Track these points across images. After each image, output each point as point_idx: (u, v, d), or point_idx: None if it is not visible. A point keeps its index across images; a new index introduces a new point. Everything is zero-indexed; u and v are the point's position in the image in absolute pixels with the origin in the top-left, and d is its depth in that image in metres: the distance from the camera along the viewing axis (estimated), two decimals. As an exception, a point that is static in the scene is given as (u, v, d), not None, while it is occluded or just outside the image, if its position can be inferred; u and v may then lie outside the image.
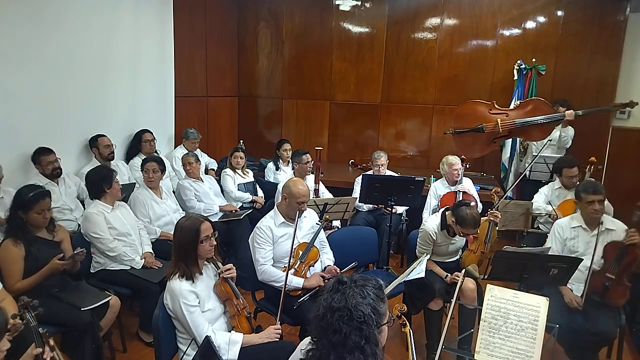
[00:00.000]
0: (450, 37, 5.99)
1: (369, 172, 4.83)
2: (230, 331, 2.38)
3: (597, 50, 5.54)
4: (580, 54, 5.60)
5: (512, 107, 4.92)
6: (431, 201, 4.35)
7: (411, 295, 3.17)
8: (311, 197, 3.77)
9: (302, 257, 2.95)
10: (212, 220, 2.48)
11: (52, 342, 2.02)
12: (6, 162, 3.46)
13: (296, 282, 2.84)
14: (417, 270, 2.84)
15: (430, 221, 3.19)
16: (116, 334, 3.22)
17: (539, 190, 4.14)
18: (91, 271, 3.29)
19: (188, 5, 5.59)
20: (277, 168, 5.26)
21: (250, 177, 5.01)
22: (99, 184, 3.27)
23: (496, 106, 4.63)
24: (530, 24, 5.74)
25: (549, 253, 3.05)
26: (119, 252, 3.24)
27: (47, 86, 3.76)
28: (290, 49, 6.63)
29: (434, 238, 3.13)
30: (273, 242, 2.90)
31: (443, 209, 3.24)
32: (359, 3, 6.26)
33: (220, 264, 2.47)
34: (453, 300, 2.50)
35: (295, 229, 2.82)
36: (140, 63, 4.86)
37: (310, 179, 4.54)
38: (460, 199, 4.11)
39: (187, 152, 4.82)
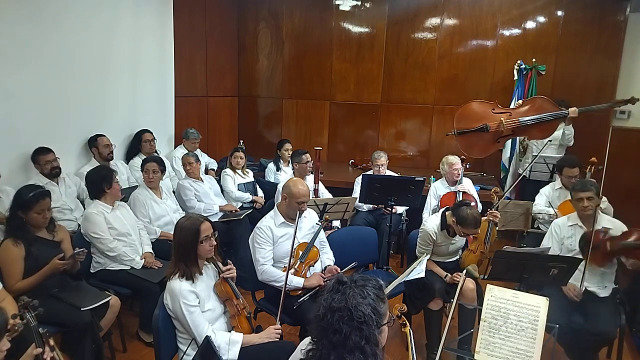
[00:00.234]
0: (450, 37, 5.99)
1: (369, 172, 4.83)
2: (230, 331, 2.38)
3: (597, 50, 5.54)
4: (580, 54, 5.60)
5: (514, 106, 4.91)
6: (431, 201, 4.35)
7: (411, 295, 3.17)
8: (311, 197, 3.76)
9: (302, 257, 2.95)
10: (212, 220, 2.48)
11: (52, 342, 2.02)
12: (6, 162, 3.46)
13: (296, 282, 2.84)
14: (417, 270, 2.84)
15: (431, 221, 3.19)
16: (116, 334, 3.22)
17: (540, 191, 4.14)
18: (91, 271, 3.29)
19: (188, 5, 5.59)
20: (278, 168, 5.26)
21: (250, 177, 5.01)
22: (99, 184, 3.27)
23: (499, 105, 4.62)
24: (530, 24, 5.74)
25: (549, 253, 3.06)
26: (119, 252, 3.24)
27: (47, 86, 3.76)
28: (290, 49, 6.63)
29: (434, 238, 3.13)
30: (273, 242, 2.90)
31: (443, 209, 3.24)
32: (359, 3, 6.27)
33: (220, 264, 2.47)
34: (453, 301, 2.49)
35: (296, 229, 2.81)
36: (140, 63, 4.86)
37: (310, 179, 4.54)
38: (460, 199, 4.11)
39: (187, 152, 4.82)
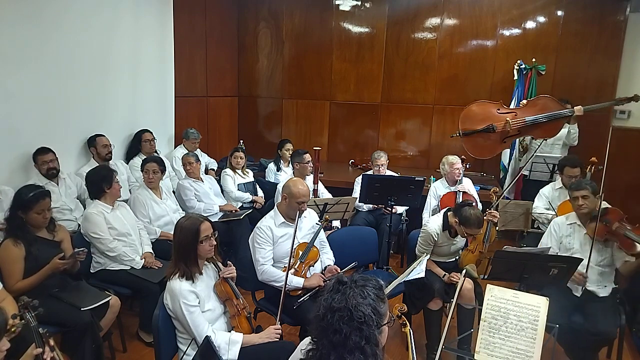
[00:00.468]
0: (450, 37, 5.99)
1: (369, 172, 4.83)
2: (230, 331, 2.38)
3: (597, 50, 5.54)
4: (580, 54, 5.60)
5: (518, 106, 4.87)
6: (431, 201, 4.35)
7: (411, 295, 3.17)
8: (310, 198, 3.76)
9: (302, 257, 2.95)
10: (212, 220, 2.48)
11: (52, 342, 2.02)
12: (6, 162, 3.46)
13: (296, 282, 2.84)
14: (417, 270, 2.83)
15: (433, 222, 3.19)
16: (116, 334, 3.22)
17: (539, 192, 4.14)
18: (91, 271, 3.29)
19: (188, 5, 5.59)
20: (278, 169, 5.26)
21: (250, 177, 5.01)
22: (99, 184, 3.27)
23: (504, 105, 4.61)
24: (530, 24, 5.74)
25: (549, 252, 3.06)
26: (119, 252, 3.24)
27: (47, 86, 3.76)
28: (290, 49, 6.63)
29: (436, 239, 3.13)
30: (273, 242, 2.90)
31: (445, 209, 3.24)
32: (359, 3, 6.26)
33: (220, 264, 2.47)
34: (453, 301, 2.49)
35: (295, 229, 2.81)
36: (140, 63, 4.86)
37: (310, 179, 4.54)
38: (460, 199, 4.12)
39: (187, 152, 4.82)
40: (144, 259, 3.36)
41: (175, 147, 5.36)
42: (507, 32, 5.82)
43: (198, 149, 5.19)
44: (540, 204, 4.04)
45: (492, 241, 3.31)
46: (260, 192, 4.97)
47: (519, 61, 5.45)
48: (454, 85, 6.07)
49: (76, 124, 4.10)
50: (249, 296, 2.97)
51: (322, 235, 3.16)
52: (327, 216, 3.40)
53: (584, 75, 5.58)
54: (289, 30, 6.58)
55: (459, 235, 3.14)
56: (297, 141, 5.98)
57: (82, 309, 2.69)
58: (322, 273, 2.98)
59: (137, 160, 4.51)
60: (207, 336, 2.21)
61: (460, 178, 4.25)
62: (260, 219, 3.05)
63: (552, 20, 5.66)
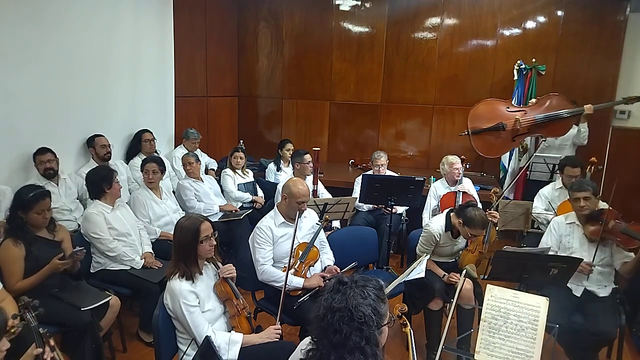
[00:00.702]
0: (450, 37, 5.99)
1: (369, 172, 4.82)
2: (230, 331, 2.38)
3: (597, 50, 5.54)
4: (580, 54, 5.60)
5: (519, 104, 4.86)
6: (431, 201, 4.35)
7: (411, 295, 3.17)
8: (310, 198, 3.76)
9: (302, 257, 2.95)
10: (212, 220, 2.48)
11: (52, 342, 2.02)
12: (6, 162, 3.46)
13: (296, 282, 2.84)
14: (417, 270, 2.83)
15: (435, 222, 3.19)
16: (116, 334, 3.22)
17: (539, 192, 4.14)
18: (91, 271, 3.29)
19: (188, 5, 5.59)
20: (278, 169, 5.26)
21: (250, 177, 5.01)
22: (99, 184, 3.27)
23: (513, 104, 4.58)
24: (530, 24, 5.74)
25: (550, 252, 3.06)
26: (119, 252, 3.24)
27: (47, 86, 3.76)
28: (290, 49, 6.63)
29: (438, 240, 3.13)
30: (273, 242, 2.90)
31: (447, 210, 3.24)
32: (359, 3, 6.26)
33: (220, 264, 2.47)
34: (453, 301, 2.50)
35: (295, 229, 2.81)
36: (140, 63, 4.86)
37: (309, 179, 4.54)
38: (460, 199, 4.11)
39: (187, 152, 4.82)
40: (144, 259, 3.36)
41: (175, 147, 5.36)
42: (507, 32, 5.82)
43: (198, 149, 5.19)
44: (539, 204, 4.04)
45: (492, 242, 3.31)
46: (260, 192, 4.97)
47: (519, 61, 5.45)
48: (454, 85, 6.07)
49: (76, 124, 4.10)
50: (249, 296, 2.97)
51: (322, 235, 3.16)
52: (327, 216, 3.40)
53: (584, 75, 5.58)
54: (289, 30, 6.58)
55: (461, 236, 3.14)
56: (297, 141, 5.98)
57: (82, 309, 2.69)
58: (322, 273, 2.98)
59: (137, 160, 4.51)
60: (207, 336, 2.21)
61: (459, 178, 4.25)
62: (260, 219, 3.05)
63: (552, 20, 5.66)
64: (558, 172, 4.15)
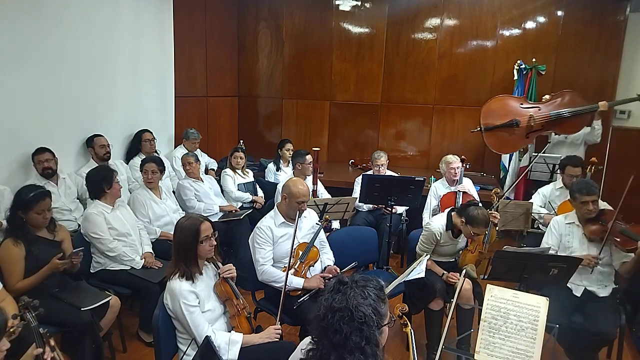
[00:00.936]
0: (450, 37, 5.99)
1: (369, 172, 4.82)
2: (230, 331, 2.38)
3: (597, 50, 5.54)
4: (580, 54, 5.60)
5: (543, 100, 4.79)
6: (431, 201, 4.35)
7: (412, 295, 3.17)
8: (310, 198, 3.76)
9: (302, 257, 2.95)
10: (212, 220, 2.48)
11: (52, 342, 2.02)
12: (5, 162, 3.46)
13: (296, 282, 2.84)
14: (417, 270, 2.83)
15: (436, 221, 3.19)
16: (116, 334, 3.22)
17: (538, 191, 4.14)
18: (91, 271, 3.29)
19: (188, 4, 5.59)
20: (278, 168, 5.26)
21: (250, 177, 5.01)
22: (99, 184, 3.27)
23: (527, 100, 4.55)
24: (530, 24, 5.74)
25: (550, 251, 3.06)
26: (119, 252, 3.24)
27: (47, 85, 3.75)
28: (290, 49, 6.63)
29: (438, 238, 3.13)
30: (273, 242, 2.90)
31: (448, 209, 3.24)
32: (359, 3, 6.26)
33: (220, 264, 2.47)
34: (453, 301, 2.50)
35: (295, 229, 2.81)
36: (140, 62, 4.86)
37: (309, 179, 4.54)
38: (460, 199, 4.11)
39: (187, 152, 4.82)
40: (144, 259, 3.36)
41: (175, 147, 5.36)
42: (507, 32, 5.82)
43: (198, 149, 5.19)
44: (537, 201, 4.04)
45: (492, 242, 3.31)
46: (260, 192, 4.97)
47: (519, 61, 5.45)
48: (454, 85, 6.07)
49: (76, 123, 4.09)
50: (249, 296, 2.97)
51: (322, 235, 3.16)
52: (327, 216, 3.40)
53: (584, 75, 5.58)
54: (289, 30, 6.58)
55: (462, 235, 3.14)
56: (297, 141, 5.98)
57: (82, 309, 2.69)
58: (322, 273, 2.98)
59: (137, 160, 4.51)
60: (207, 336, 2.21)
61: (458, 178, 4.25)
62: (260, 219, 3.05)
63: (552, 20, 5.66)
64: (558, 172, 4.14)
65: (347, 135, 6.63)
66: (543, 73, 5.41)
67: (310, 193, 4.28)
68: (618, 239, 2.98)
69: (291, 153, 5.19)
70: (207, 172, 5.33)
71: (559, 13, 5.62)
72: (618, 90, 5.47)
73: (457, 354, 2.66)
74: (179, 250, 2.32)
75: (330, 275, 2.91)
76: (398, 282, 2.90)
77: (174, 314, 2.28)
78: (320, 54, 6.48)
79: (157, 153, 4.69)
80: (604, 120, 5.46)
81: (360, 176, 4.40)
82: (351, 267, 3.12)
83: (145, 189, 3.85)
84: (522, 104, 4.53)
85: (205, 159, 5.50)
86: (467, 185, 4.32)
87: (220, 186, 4.79)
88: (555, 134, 4.87)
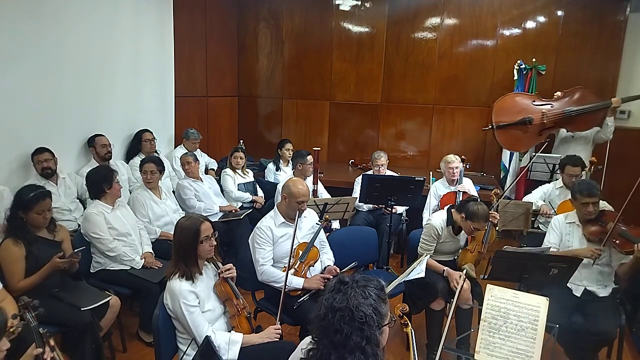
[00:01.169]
0: (450, 37, 5.99)
1: (369, 172, 4.82)
2: (230, 331, 2.38)
3: (597, 50, 5.53)
4: (580, 54, 5.60)
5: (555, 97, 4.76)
6: (431, 201, 4.35)
7: (413, 294, 3.17)
8: (310, 198, 3.76)
9: (302, 257, 2.95)
10: (212, 220, 2.48)
11: (52, 342, 2.02)
12: (5, 162, 3.46)
13: (296, 282, 2.84)
14: (417, 270, 2.83)
15: (436, 217, 3.20)
16: (116, 334, 3.22)
17: (539, 187, 4.15)
18: (91, 271, 3.29)
19: (188, 4, 5.59)
20: (278, 168, 5.26)
21: (250, 177, 5.01)
22: (99, 184, 3.27)
23: (540, 97, 4.53)
24: (530, 24, 5.74)
25: (550, 250, 3.06)
26: (119, 252, 3.24)
27: (47, 85, 3.75)
28: (290, 49, 6.63)
29: (440, 233, 3.13)
30: (273, 242, 2.90)
31: (448, 206, 3.25)
32: (359, 3, 6.26)
33: (220, 264, 2.47)
34: (453, 301, 2.49)
35: (295, 229, 2.81)
36: (140, 62, 4.85)
37: (310, 179, 4.54)
38: (461, 199, 4.11)
39: (186, 152, 4.82)
40: (144, 259, 3.36)
41: (175, 147, 5.36)
42: (507, 32, 5.82)
43: (198, 149, 5.19)
44: (536, 195, 4.05)
45: (492, 242, 3.31)
46: (260, 192, 4.97)
47: (519, 61, 5.45)
48: (454, 85, 6.07)
49: (76, 123, 4.09)
50: (249, 296, 2.97)
51: (322, 235, 3.16)
52: (327, 216, 3.40)
53: (584, 75, 5.57)
54: (289, 30, 6.58)
55: (463, 232, 3.14)
56: (297, 141, 5.99)
57: (82, 309, 2.69)
58: (322, 273, 2.98)
59: (137, 160, 4.50)
60: (207, 336, 2.21)
61: (457, 178, 4.25)
62: (260, 219, 3.05)
63: (552, 20, 5.66)
64: (558, 171, 4.14)
65: (347, 135, 6.63)
66: (543, 73, 5.41)
67: (311, 193, 4.30)
68: (617, 241, 2.98)
69: (291, 153, 5.19)
70: (207, 172, 5.33)
71: (559, 13, 5.62)
72: (618, 90, 5.46)
73: (457, 354, 2.66)
74: (179, 250, 2.32)
75: (331, 276, 2.91)
76: (398, 282, 2.90)
77: (174, 314, 2.28)
78: (320, 54, 6.48)
79: (157, 153, 4.69)
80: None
81: (360, 176, 4.40)
82: (351, 267, 3.12)
83: (145, 189, 3.85)
84: (534, 101, 4.51)
85: (205, 159, 5.50)
86: (467, 185, 4.33)
87: (220, 186, 4.79)
88: (568, 131, 4.83)
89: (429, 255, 3.10)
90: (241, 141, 6.14)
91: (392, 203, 4.15)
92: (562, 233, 3.17)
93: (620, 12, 5.42)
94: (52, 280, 2.80)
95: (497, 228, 3.41)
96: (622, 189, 3.14)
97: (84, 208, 3.72)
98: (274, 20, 6.60)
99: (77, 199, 3.90)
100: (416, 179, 4.11)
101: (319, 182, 4.62)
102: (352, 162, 6.46)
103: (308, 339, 1.53)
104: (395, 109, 6.38)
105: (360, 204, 4.50)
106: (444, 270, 3.10)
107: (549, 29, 5.67)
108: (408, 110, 6.33)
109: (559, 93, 4.69)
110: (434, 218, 3.20)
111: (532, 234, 4.04)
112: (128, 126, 4.73)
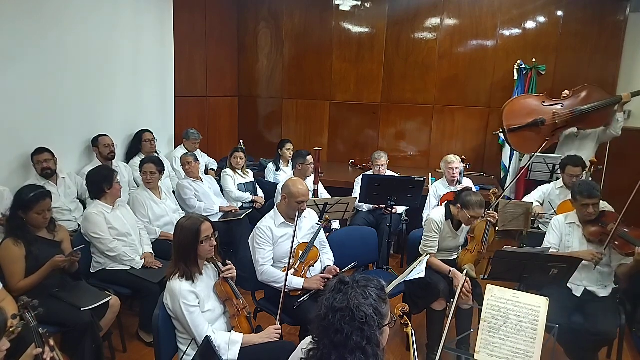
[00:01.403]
0: (450, 37, 5.99)
1: (369, 172, 4.83)
2: (230, 331, 2.38)
3: (597, 50, 5.54)
4: (580, 54, 5.60)
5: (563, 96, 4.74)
6: (431, 201, 4.35)
7: (414, 294, 3.16)
8: (310, 198, 3.76)
9: (302, 257, 2.95)
10: (212, 220, 2.48)
11: (52, 342, 2.01)
12: (5, 162, 3.46)
13: (296, 282, 2.84)
14: (417, 270, 2.83)
15: (435, 212, 3.22)
16: (116, 334, 3.22)
17: (539, 187, 4.15)
18: (91, 271, 3.29)
19: (188, 4, 5.59)
20: (278, 168, 5.26)
21: (250, 177, 5.01)
22: (100, 184, 3.27)
23: (549, 97, 4.53)
24: (530, 24, 5.74)
25: (550, 250, 3.06)
26: (119, 252, 3.24)
27: (47, 85, 3.75)
28: (290, 49, 6.63)
29: (440, 227, 3.13)
30: (273, 243, 2.90)
31: (446, 202, 3.26)
32: (359, 3, 6.26)
33: (220, 264, 2.47)
34: (453, 301, 2.50)
35: (295, 229, 2.81)
36: (140, 62, 4.85)
37: (310, 179, 4.53)
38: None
39: (186, 152, 4.82)
40: (144, 259, 3.36)
41: (175, 147, 5.35)
42: (507, 32, 5.82)
43: (198, 149, 5.19)
44: (535, 196, 4.05)
45: (491, 242, 3.31)
46: (260, 192, 4.97)
47: (519, 61, 5.45)
48: (454, 85, 6.07)
49: (76, 123, 4.09)
50: (249, 296, 2.97)
51: (322, 235, 3.16)
52: (327, 216, 3.39)
53: (584, 75, 5.57)
54: (289, 30, 6.58)
55: (462, 228, 3.13)
56: (297, 141, 5.99)
57: (82, 309, 2.69)
58: (322, 273, 2.98)
59: (138, 160, 4.50)
60: (207, 336, 2.21)
61: (457, 178, 4.25)
62: (260, 219, 3.05)
63: (552, 20, 5.66)
64: (558, 171, 4.14)
65: (347, 135, 6.63)
66: (543, 73, 5.42)
67: (312, 193, 4.30)
68: (617, 242, 2.98)
69: (291, 153, 5.19)
70: (207, 172, 5.33)
71: (559, 13, 5.62)
72: (618, 90, 5.45)
73: (457, 354, 2.66)
74: (179, 250, 2.31)
75: (330, 276, 2.91)
76: (398, 282, 2.90)
77: (174, 314, 2.28)
78: (320, 54, 6.48)
79: (157, 153, 4.69)
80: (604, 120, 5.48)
81: (360, 176, 4.40)
82: (351, 267, 3.12)
83: (145, 189, 3.84)
84: (544, 102, 4.51)
85: (205, 159, 5.50)
86: (467, 185, 4.32)
87: (220, 186, 4.79)
88: (579, 129, 4.81)
89: (429, 256, 3.10)
90: (241, 141, 6.13)
91: (392, 203, 4.15)
92: (562, 233, 3.17)
93: (620, 12, 5.42)
94: (52, 280, 2.80)
95: (496, 228, 3.41)
96: (622, 189, 3.14)
97: (84, 208, 3.72)
98: (274, 20, 6.60)
99: (77, 199, 3.90)
100: (416, 179, 4.11)
101: (320, 182, 4.62)
102: (352, 162, 6.46)
103: (308, 339, 1.53)
104: (395, 109, 6.38)
105: (360, 204, 4.50)
106: (449, 271, 3.09)
107: (549, 29, 5.67)
108: (408, 111, 6.33)
109: (567, 92, 4.67)
110: (433, 213, 3.23)
111: (532, 234, 4.04)
112: (128, 126, 4.73)
